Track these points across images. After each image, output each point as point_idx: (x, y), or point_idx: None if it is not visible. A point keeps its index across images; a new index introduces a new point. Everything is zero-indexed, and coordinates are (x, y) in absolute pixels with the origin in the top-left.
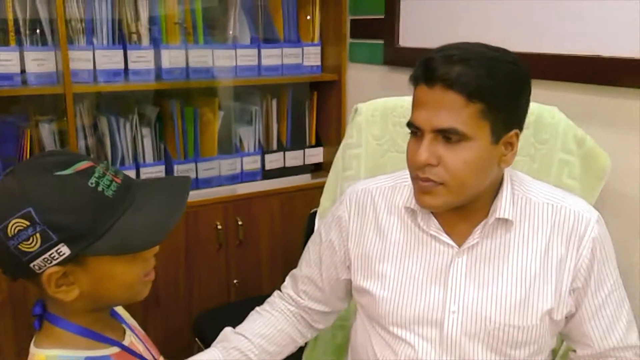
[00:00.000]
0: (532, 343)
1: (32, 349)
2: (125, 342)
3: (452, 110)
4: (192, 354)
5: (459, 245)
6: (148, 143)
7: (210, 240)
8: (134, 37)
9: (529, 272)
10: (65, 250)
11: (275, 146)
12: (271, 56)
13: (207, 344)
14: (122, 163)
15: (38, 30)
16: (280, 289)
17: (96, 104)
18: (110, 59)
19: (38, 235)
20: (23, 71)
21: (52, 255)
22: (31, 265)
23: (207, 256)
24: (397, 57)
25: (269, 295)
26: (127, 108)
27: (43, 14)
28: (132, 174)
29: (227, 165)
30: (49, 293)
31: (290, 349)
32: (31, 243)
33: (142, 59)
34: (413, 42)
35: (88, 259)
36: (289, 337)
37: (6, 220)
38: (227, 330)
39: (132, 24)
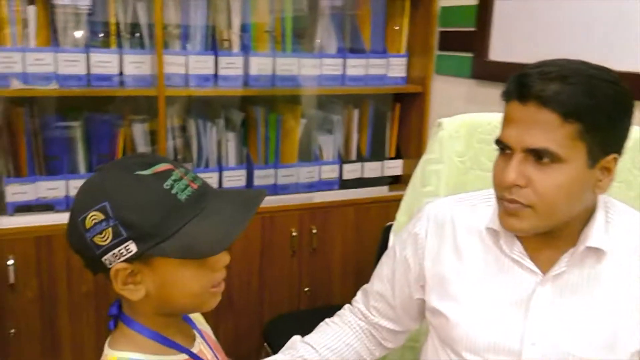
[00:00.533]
0: None
1: (106, 349)
2: (195, 350)
3: (546, 129)
4: (259, 357)
5: (544, 272)
6: (232, 147)
7: (284, 246)
8: (226, 44)
9: (619, 307)
10: (133, 247)
11: (354, 156)
12: (356, 66)
13: (275, 350)
14: (207, 165)
15: (137, 35)
16: (351, 303)
17: (186, 107)
18: (202, 64)
19: (110, 230)
20: (121, 73)
21: (121, 252)
22: (103, 259)
23: (281, 262)
24: (486, 71)
25: (338, 306)
26: (215, 112)
27: (143, 19)
28: (215, 176)
29: (306, 173)
30: (116, 289)
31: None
32: (104, 237)
33: (231, 65)
34: (504, 57)
35: (155, 261)
36: (356, 354)
37: (86, 211)
38: (296, 338)
39: (225, 31)
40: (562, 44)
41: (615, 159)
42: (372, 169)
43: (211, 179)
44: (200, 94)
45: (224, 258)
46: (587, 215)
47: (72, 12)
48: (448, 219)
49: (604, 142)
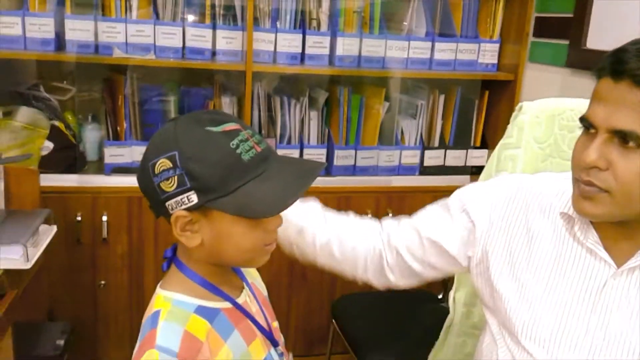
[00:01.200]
0: None
1: (157, 288)
2: (240, 300)
3: (637, 111)
4: (327, 333)
5: (618, 265)
6: (314, 126)
7: None
8: (314, 23)
9: None
10: (194, 198)
11: (436, 143)
12: (445, 50)
13: (342, 327)
14: (289, 142)
15: (231, 12)
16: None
17: (273, 84)
18: (290, 42)
19: (176, 177)
20: (214, 48)
21: (183, 200)
22: (166, 204)
23: None
24: (582, 60)
25: (411, 293)
26: (300, 91)
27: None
28: (296, 153)
29: (386, 157)
30: (175, 234)
31: (350, 268)
32: (170, 183)
33: (318, 44)
34: (602, 45)
35: (213, 213)
36: (354, 257)
37: (157, 158)
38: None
39: (314, 10)
40: None
41: None
42: (455, 157)
43: (292, 155)
44: (286, 71)
45: (276, 221)
46: None
47: None
48: (522, 196)
49: None
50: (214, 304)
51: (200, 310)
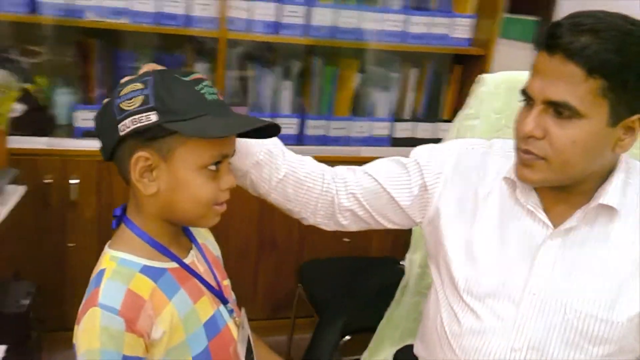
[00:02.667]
0: (613, 342)
1: (106, 247)
2: (187, 260)
3: (569, 83)
4: (293, 297)
5: (555, 227)
6: (287, 95)
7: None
8: None
9: (625, 266)
10: (153, 117)
11: (408, 115)
12: (419, 24)
13: (307, 291)
14: (261, 110)
15: None
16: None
17: (247, 53)
18: (265, 10)
19: (142, 97)
20: (188, 14)
21: (141, 118)
22: (119, 125)
23: None
24: None
25: (375, 258)
26: (273, 60)
27: None
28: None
29: (358, 128)
30: (132, 180)
31: (299, 209)
32: (132, 102)
33: (294, 14)
34: None
35: (174, 156)
36: (308, 196)
37: (129, 84)
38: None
39: None
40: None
41: None
42: (425, 129)
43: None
44: (260, 39)
45: (229, 180)
46: (605, 174)
47: None
48: (472, 160)
49: (631, 101)
50: (160, 263)
51: (146, 270)
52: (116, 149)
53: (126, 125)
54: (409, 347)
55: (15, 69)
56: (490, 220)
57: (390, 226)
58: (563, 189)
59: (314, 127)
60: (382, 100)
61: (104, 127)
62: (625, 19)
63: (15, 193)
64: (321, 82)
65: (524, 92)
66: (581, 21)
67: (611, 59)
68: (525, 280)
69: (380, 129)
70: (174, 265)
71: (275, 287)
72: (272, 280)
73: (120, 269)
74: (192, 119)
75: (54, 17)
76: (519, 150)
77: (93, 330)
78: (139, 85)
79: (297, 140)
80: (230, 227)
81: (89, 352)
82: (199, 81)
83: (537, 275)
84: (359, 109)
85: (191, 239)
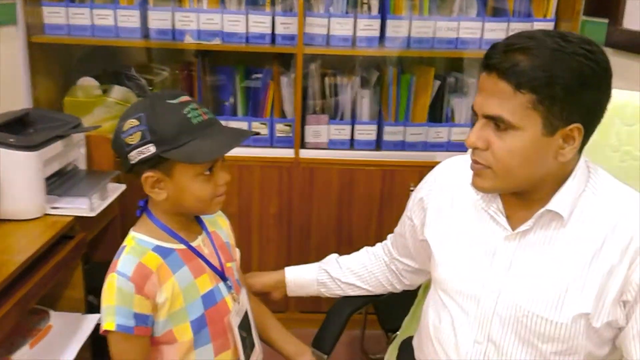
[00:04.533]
0: (561, 341)
1: (130, 230)
2: (193, 243)
3: (501, 98)
4: None
5: (514, 230)
6: (366, 103)
7: (401, 198)
8: (365, 7)
9: (571, 270)
10: (152, 149)
11: None
12: (495, 30)
13: None
14: (341, 118)
15: (288, 0)
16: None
17: (327, 65)
18: (342, 26)
19: (140, 133)
20: (273, 32)
21: (143, 150)
22: (129, 155)
23: (397, 213)
24: (619, 39)
25: None
26: (351, 71)
27: None
28: (347, 128)
29: (434, 133)
30: (145, 191)
31: (380, 290)
32: (133, 138)
33: (369, 27)
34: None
35: (174, 173)
36: (376, 280)
37: (128, 119)
38: (333, 255)
39: None
40: None
41: (579, 129)
42: None
43: (344, 130)
44: (337, 53)
45: (224, 176)
46: (561, 181)
47: None
48: (454, 181)
49: (563, 112)
50: (169, 244)
51: (156, 249)
52: (131, 169)
53: (133, 157)
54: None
55: (133, 86)
56: (461, 224)
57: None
58: (522, 195)
59: (391, 133)
60: (460, 107)
61: (119, 154)
62: (561, 36)
63: (117, 190)
64: (397, 90)
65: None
66: (513, 42)
67: (537, 75)
68: (485, 280)
69: (459, 134)
70: (182, 247)
71: None
72: None
73: (136, 246)
74: (183, 145)
75: (162, 41)
76: (471, 161)
77: (111, 290)
78: (134, 122)
79: (376, 146)
80: (312, 224)
81: (108, 307)
82: (185, 104)
83: (495, 275)
84: (436, 115)
85: (202, 226)
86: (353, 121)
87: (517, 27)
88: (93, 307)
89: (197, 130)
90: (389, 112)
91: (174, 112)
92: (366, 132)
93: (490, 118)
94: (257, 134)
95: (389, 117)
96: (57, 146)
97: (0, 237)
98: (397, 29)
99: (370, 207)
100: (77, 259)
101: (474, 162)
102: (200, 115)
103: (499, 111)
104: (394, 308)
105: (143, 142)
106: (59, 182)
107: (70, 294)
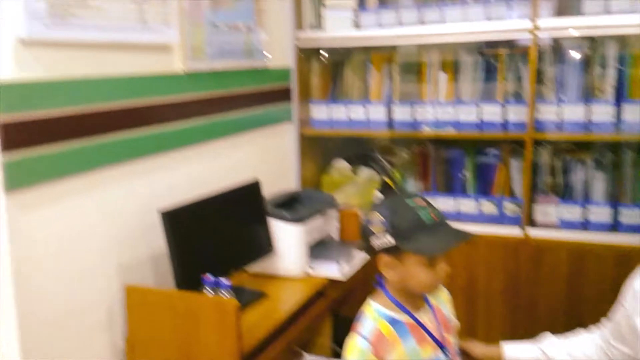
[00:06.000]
0: None
1: (368, 299)
2: (417, 316)
3: None
4: None
5: None
6: (598, 185)
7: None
8: (598, 93)
9: None
10: (390, 240)
11: None
12: None
13: None
14: (571, 198)
15: (519, 91)
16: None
17: (558, 147)
18: (574, 112)
19: (383, 227)
20: (505, 120)
21: (384, 242)
22: (371, 240)
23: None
24: None
25: None
26: (583, 152)
27: (525, 79)
28: (576, 208)
29: None
30: (378, 268)
31: None
32: (377, 228)
33: (604, 112)
34: None
35: (404, 259)
36: None
37: (375, 212)
38: (548, 334)
39: (598, 81)
40: None
41: None
42: None
43: (574, 210)
44: (566, 138)
45: (445, 267)
46: None
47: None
48: None
49: None
50: (399, 316)
51: (388, 318)
52: (370, 250)
53: (376, 244)
54: None
55: (378, 167)
56: None
57: None
58: None
59: (627, 215)
60: None
61: (364, 237)
62: None
63: (361, 258)
64: (634, 172)
65: None
66: None
67: None
68: None
69: None
70: (409, 319)
71: None
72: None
73: (374, 314)
74: (415, 239)
75: (404, 131)
76: None
77: (353, 347)
78: (380, 217)
79: (611, 228)
80: (539, 303)
81: None
82: (420, 207)
83: None
84: None
85: (426, 301)
86: (585, 201)
87: None
88: (337, 354)
89: (426, 228)
90: (625, 193)
91: (410, 212)
92: (598, 213)
93: None
94: (476, 235)
95: (627, 199)
96: (317, 220)
97: (277, 289)
98: (634, 113)
99: (557, 287)
100: (328, 313)
101: None
102: (430, 215)
103: None
104: None
105: (384, 233)
106: (318, 249)
107: (320, 341)
